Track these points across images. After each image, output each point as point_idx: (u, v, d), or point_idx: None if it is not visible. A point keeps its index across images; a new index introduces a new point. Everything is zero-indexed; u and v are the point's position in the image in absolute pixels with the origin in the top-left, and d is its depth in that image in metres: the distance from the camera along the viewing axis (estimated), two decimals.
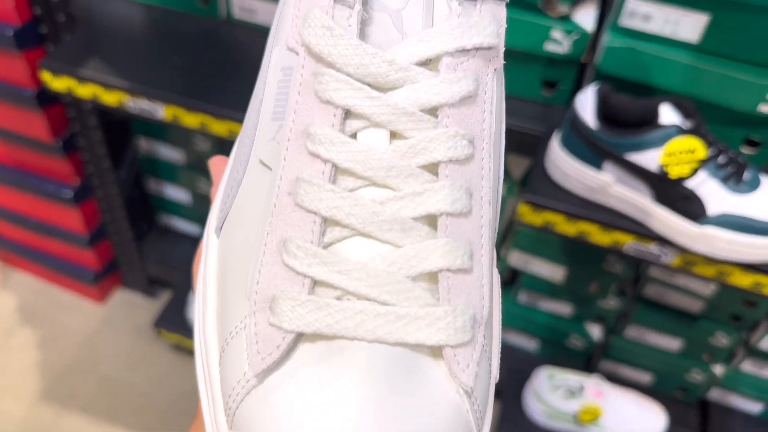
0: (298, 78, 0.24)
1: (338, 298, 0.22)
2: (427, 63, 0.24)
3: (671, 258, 0.64)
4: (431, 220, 0.24)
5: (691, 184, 0.58)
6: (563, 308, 0.99)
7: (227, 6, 0.80)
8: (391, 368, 0.22)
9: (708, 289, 0.87)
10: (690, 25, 0.62)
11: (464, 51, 0.24)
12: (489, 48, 0.25)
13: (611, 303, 0.95)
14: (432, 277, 0.23)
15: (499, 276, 0.27)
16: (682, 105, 0.59)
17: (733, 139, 0.68)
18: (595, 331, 1.00)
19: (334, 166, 0.23)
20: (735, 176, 0.58)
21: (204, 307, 0.27)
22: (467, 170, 0.24)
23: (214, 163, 0.32)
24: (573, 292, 0.96)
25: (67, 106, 0.93)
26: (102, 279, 1.19)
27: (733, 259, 0.60)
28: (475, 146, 0.24)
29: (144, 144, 1.06)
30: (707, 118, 0.64)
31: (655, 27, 0.64)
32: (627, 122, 0.62)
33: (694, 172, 0.58)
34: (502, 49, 0.26)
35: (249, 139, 0.27)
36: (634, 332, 0.97)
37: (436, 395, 0.22)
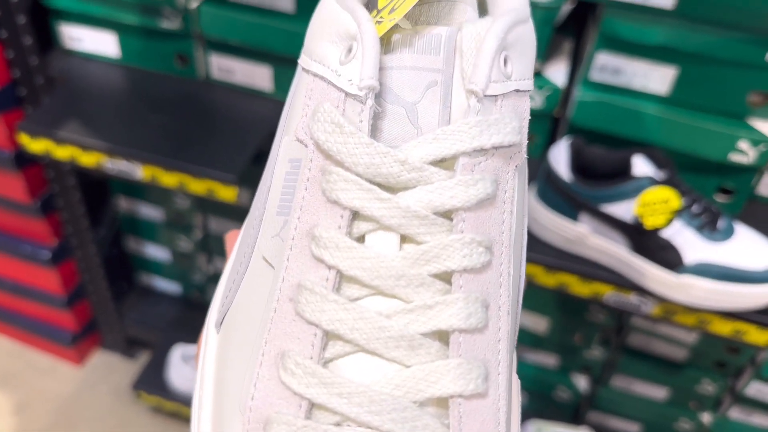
0: (305, 173, 0.23)
1: (337, 425, 0.21)
2: (442, 161, 0.23)
3: (651, 308, 0.64)
4: (443, 336, 0.22)
5: (666, 233, 0.59)
6: (548, 359, 0.99)
7: (205, 66, 0.81)
8: None
9: (691, 337, 0.87)
10: (659, 78, 0.64)
11: (483, 150, 0.22)
12: (510, 146, 0.23)
13: (596, 353, 0.94)
14: (442, 401, 0.22)
15: (518, 382, 0.25)
16: (654, 156, 0.60)
17: (706, 188, 0.69)
18: (581, 382, 0.99)
19: (339, 272, 0.22)
20: (710, 225, 0.59)
21: (200, 410, 0.25)
22: (484, 279, 0.22)
23: (230, 238, 0.30)
24: (557, 342, 0.95)
25: (46, 167, 0.93)
26: (80, 340, 1.17)
27: (711, 307, 0.60)
28: (494, 252, 0.23)
29: (123, 203, 1.05)
30: (680, 168, 0.65)
31: (624, 80, 0.65)
32: (601, 174, 0.63)
33: (669, 221, 0.58)
34: (525, 143, 0.24)
35: (254, 230, 0.25)
36: (620, 382, 0.96)
37: None
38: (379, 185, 0.22)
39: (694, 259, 0.59)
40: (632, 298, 0.64)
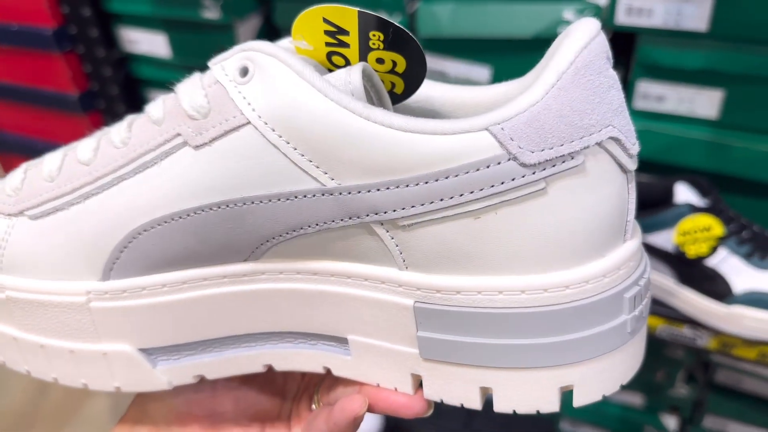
0: None
1: None
2: None
3: (706, 341, 0.61)
4: None
5: (711, 262, 0.56)
6: (634, 399, 0.94)
7: None
8: None
9: None
10: (706, 103, 0.62)
11: None
12: None
13: (682, 391, 0.89)
14: None
15: None
16: (697, 183, 0.58)
17: (761, 213, 0.65)
18: (671, 423, 0.94)
19: None
20: (759, 251, 0.56)
21: None
22: None
23: None
24: (639, 381, 0.91)
25: None
26: None
27: (764, 338, 0.56)
28: None
29: None
30: (733, 193, 0.63)
31: (670, 107, 0.64)
32: (645, 204, 0.61)
33: (713, 250, 0.56)
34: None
35: None
36: (712, 423, 0.90)
37: None
38: None
39: (744, 288, 0.56)
40: (685, 331, 0.61)
